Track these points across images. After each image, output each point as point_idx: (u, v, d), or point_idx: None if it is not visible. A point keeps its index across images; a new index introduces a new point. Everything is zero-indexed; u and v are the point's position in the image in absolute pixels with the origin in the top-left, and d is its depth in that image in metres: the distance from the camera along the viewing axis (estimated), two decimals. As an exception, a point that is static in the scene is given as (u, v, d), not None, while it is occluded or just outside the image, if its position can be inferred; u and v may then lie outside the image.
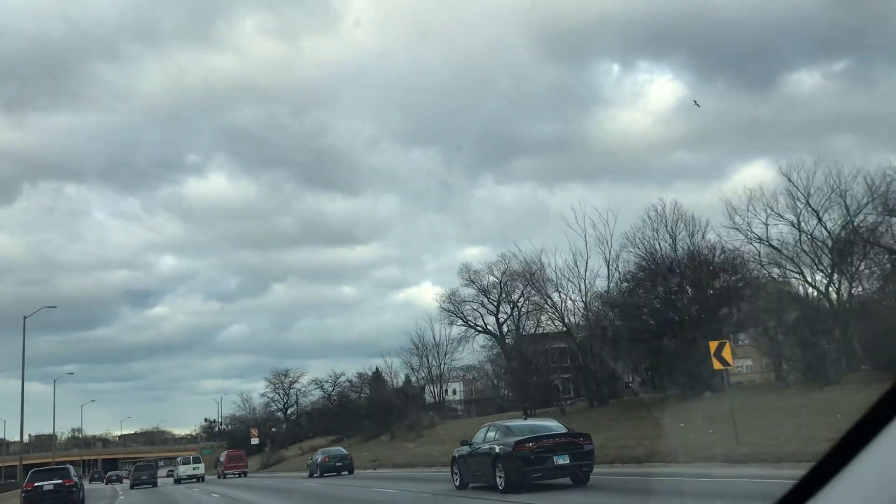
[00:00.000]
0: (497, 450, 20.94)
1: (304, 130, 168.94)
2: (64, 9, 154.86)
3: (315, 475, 46.85)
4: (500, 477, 20.54)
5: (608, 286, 56.50)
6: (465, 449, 23.60)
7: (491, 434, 22.32)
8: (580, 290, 58.78)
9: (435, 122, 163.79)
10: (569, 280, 59.25)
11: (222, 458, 73.44)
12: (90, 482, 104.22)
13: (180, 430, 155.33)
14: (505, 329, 74.13)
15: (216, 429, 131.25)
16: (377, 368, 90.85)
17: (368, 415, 78.26)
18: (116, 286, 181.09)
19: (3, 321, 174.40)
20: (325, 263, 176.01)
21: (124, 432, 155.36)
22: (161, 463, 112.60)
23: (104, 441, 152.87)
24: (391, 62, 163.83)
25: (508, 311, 73.01)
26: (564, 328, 60.60)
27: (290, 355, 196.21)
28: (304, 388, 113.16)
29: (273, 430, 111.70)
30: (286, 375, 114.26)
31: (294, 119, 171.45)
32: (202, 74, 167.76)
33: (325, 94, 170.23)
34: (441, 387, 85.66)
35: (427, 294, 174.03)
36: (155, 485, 60.27)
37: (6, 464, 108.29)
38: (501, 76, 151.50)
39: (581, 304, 59.38)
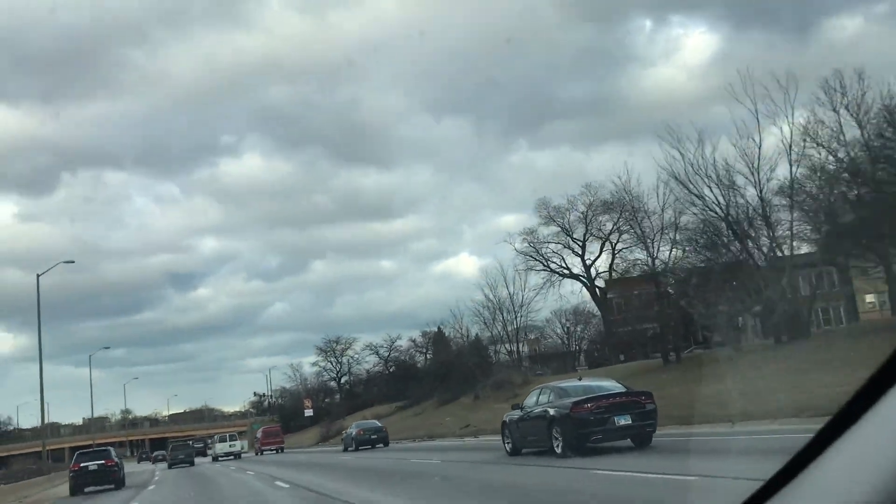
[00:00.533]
0: (552, 412, 19.65)
1: (336, 106, 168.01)
2: None
3: (350, 449, 46.62)
4: (557, 441, 19.27)
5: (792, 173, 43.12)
6: (517, 413, 22.36)
7: (544, 396, 21.03)
8: (755, 184, 44.11)
9: (466, 89, 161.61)
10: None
11: (259, 435, 73.20)
12: (139, 462, 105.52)
13: (229, 408, 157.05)
14: (594, 272, 65.80)
15: (266, 403, 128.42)
16: (439, 328, 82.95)
17: (441, 376, 71.12)
18: (160, 270, 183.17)
19: (52, 310, 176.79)
20: (362, 238, 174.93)
21: (172, 412, 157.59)
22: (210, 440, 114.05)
23: (152, 421, 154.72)
24: (419, 31, 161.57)
25: (597, 250, 64.72)
26: (659, 270, 51.23)
27: (332, 331, 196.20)
28: (357, 356, 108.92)
29: (326, 401, 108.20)
30: (337, 343, 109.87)
31: (325, 95, 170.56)
32: (232, 55, 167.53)
33: (355, 67, 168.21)
34: (518, 344, 74.71)
35: (465, 265, 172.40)
36: (192, 463, 60.34)
37: (53, 447, 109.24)
38: (533, 39, 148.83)
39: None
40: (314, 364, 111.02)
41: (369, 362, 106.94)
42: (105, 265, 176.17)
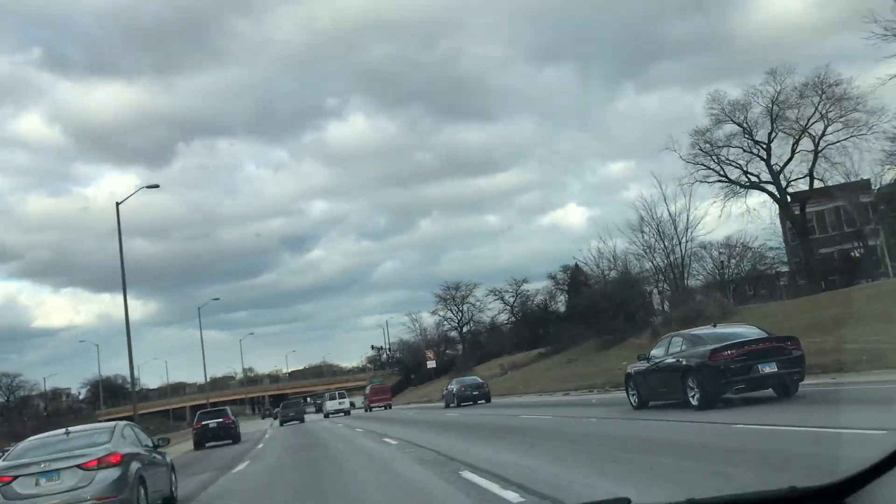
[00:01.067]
0: (687, 362, 17.53)
1: (436, 61, 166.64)
2: None
3: (451, 405, 45.82)
4: (693, 392, 17.17)
5: None
6: (643, 364, 20.30)
7: (676, 345, 18.86)
8: None
9: (568, 35, 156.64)
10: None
11: (367, 392, 75.99)
12: (262, 418, 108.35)
13: (347, 363, 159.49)
14: (783, 181, 54.37)
15: (384, 357, 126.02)
16: (576, 263, 72.47)
17: (594, 315, 59.20)
18: (274, 234, 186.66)
19: (176, 276, 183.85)
20: (467, 194, 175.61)
21: (292, 369, 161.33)
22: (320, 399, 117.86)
23: (272, 378, 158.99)
24: None
25: (787, 151, 53.76)
26: None
27: (437, 287, 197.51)
28: (478, 303, 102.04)
29: (448, 352, 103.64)
30: (457, 289, 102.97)
31: (425, 51, 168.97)
32: (332, 16, 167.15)
33: (454, 19, 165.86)
34: (683, 271, 59.78)
35: (572, 216, 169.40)
36: (302, 420, 61.67)
37: (175, 406, 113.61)
38: None
39: None
40: (433, 312, 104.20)
41: (493, 309, 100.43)
42: (222, 231, 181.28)
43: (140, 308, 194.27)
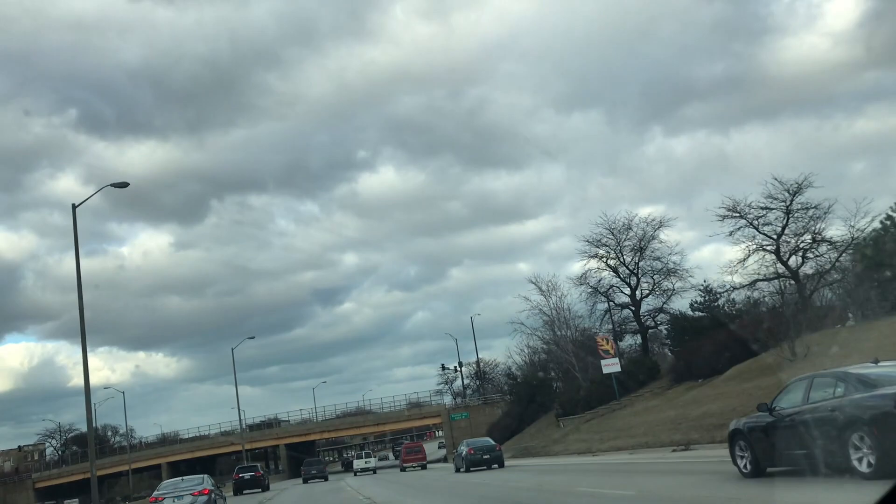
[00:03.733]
0: (850, 412, 12.72)
1: (464, 110, 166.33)
2: (228, 26, 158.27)
3: (461, 470, 42.48)
4: (860, 454, 12.33)
5: None
6: (762, 417, 15.51)
7: (823, 390, 14.05)
8: None
9: (595, 80, 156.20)
10: None
11: (400, 450, 78.45)
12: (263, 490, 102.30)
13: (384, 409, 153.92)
14: None
15: (455, 374, 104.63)
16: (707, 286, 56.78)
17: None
18: (306, 287, 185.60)
19: (209, 332, 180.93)
20: (497, 242, 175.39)
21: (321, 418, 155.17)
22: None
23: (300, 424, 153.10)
24: (544, 25, 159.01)
25: None
26: None
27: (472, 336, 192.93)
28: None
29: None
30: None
31: (453, 101, 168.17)
32: (361, 69, 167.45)
33: (481, 69, 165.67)
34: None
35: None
36: (325, 478, 63.82)
37: (205, 453, 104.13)
38: (661, 18, 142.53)
39: None
40: (598, 259, 65.09)
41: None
42: (255, 286, 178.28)
43: (174, 365, 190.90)
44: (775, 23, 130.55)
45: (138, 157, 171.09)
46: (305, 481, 62.71)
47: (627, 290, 65.22)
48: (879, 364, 14.05)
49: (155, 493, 29.99)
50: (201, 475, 32.13)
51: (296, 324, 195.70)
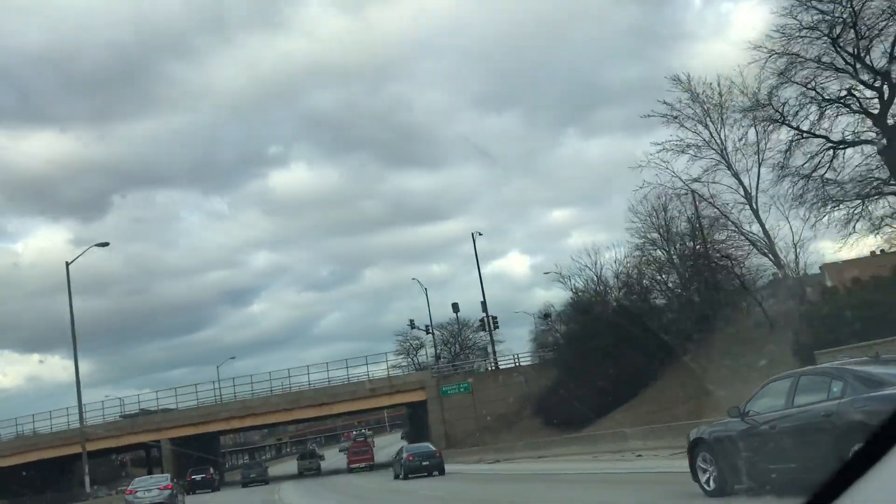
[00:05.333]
0: (853, 416, 10.11)
1: (381, 108, 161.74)
2: (136, 12, 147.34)
3: (399, 476, 41.00)
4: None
5: None
6: (732, 425, 12.95)
7: (815, 390, 11.45)
8: None
9: (513, 81, 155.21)
10: None
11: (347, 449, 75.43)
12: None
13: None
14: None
15: (426, 335, 78.30)
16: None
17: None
18: (214, 287, 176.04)
19: (112, 334, 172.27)
20: (413, 242, 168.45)
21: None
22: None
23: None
24: (463, 23, 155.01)
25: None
26: None
27: (387, 339, 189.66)
28: None
29: None
30: None
31: (370, 97, 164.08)
32: (274, 61, 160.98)
33: (399, 66, 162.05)
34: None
35: (516, 264, 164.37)
36: (266, 482, 60.72)
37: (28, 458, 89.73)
38: (578, 21, 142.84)
39: None
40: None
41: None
42: (160, 286, 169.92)
43: (71, 368, 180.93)
44: (686, 30, 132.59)
45: (36, 147, 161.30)
46: (244, 485, 60.51)
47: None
48: (881, 358, 11.52)
49: (129, 487, 38.33)
50: (165, 474, 43.81)
51: (203, 325, 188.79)
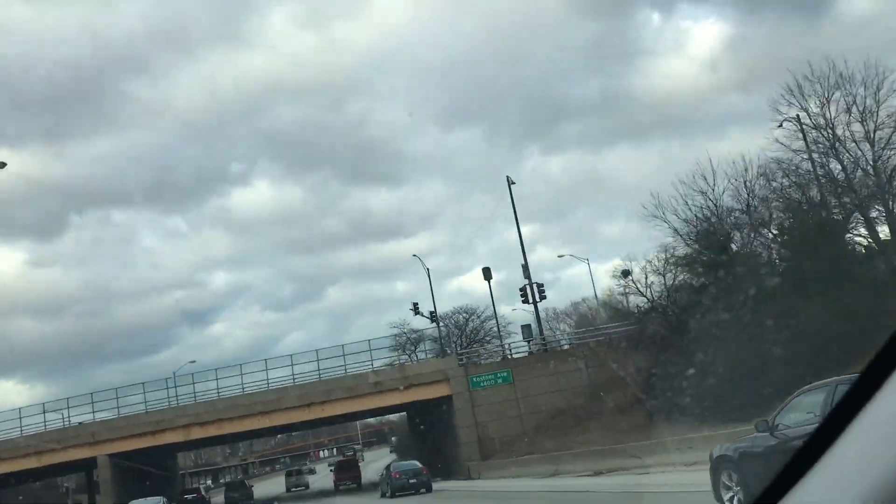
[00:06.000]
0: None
1: (343, 124, 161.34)
2: (91, 28, 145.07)
3: (386, 495, 40.21)
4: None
5: None
6: (761, 439, 12.09)
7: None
8: None
9: (475, 97, 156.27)
10: None
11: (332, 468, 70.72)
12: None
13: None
14: None
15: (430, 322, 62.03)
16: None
17: None
18: (173, 308, 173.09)
19: (69, 357, 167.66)
20: (376, 260, 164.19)
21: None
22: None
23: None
24: (425, 40, 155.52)
25: None
26: None
27: (353, 358, 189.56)
28: None
29: None
30: None
31: (332, 113, 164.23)
32: (235, 77, 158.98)
33: (361, 82, 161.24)
34: None
35: (479, 280, 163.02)
36: (250, 498, 60.03)
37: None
38: (538, 37, 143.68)
39: None
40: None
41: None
42: (118, 307, 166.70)
43: (26, 393, 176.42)
44: (645, 46, 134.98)
45: None
46: None
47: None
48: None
49: None
50: (159, 496, 45.80)
51: (163, 346, 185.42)
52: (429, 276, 61.76)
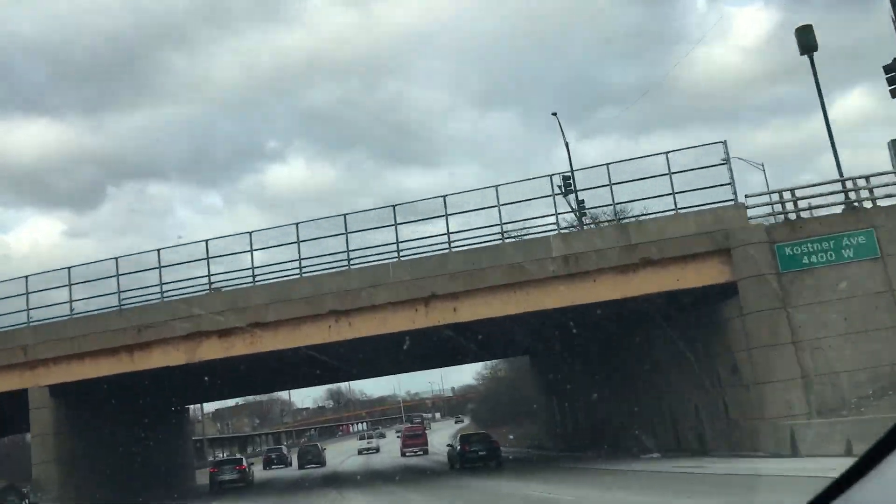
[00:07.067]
0: None
1: (380, 104, 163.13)
2: (132, 1, 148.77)
3: (455, 466, 38.32)
4: None
5: None
6: None
7: None
8: None
9: (513, 81, 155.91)
10: None
11: (399, 435, 71.43)
12: None
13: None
14: None
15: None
16: None
17: None
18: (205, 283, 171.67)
19: None
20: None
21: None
22: None
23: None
24: (465, 21, 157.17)
25: None
26: None
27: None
28: None
29: None
30: None
31: (369, 93, 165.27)
32: (274, 55, 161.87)
33: (399, 62, 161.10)
34: None
35: None
36: (323, 464, 58.55)
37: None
38: (580, 23, 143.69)
39: None
40: None
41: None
42: (152, 279, 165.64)
43: None
44: (689, 33, 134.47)
45: (28, 136, 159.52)
46: (301, 467, 56.90)
47: None
48: None
49: (213, 466, 42.93)
50: (240, 456, 50.16)
51: None
52: (563, 134, 43.52)
